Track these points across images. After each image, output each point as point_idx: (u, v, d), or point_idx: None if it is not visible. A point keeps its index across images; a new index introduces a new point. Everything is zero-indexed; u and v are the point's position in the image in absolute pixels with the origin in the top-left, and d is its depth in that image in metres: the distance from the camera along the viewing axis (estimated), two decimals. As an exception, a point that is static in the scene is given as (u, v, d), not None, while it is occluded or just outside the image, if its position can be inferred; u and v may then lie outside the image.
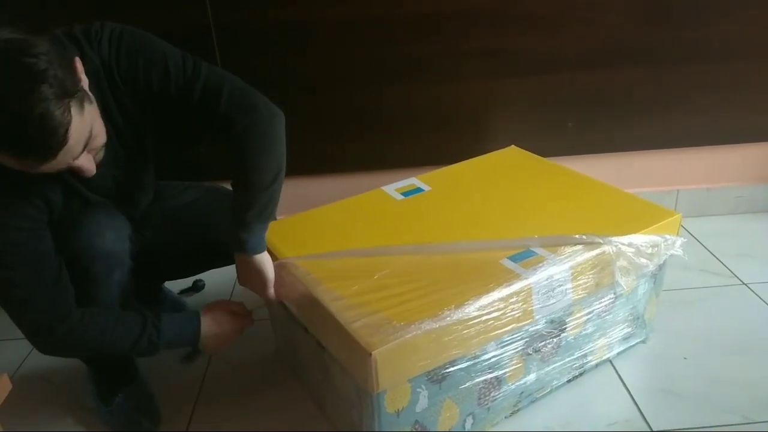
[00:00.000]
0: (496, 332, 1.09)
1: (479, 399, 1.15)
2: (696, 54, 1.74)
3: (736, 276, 1.66)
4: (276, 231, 1.27)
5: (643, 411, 1.24)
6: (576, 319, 1.22)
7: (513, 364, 1.16)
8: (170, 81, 1.07)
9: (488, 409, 1.18)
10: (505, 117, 1.81)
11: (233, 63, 1.68)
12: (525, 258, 1.15)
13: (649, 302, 1.36)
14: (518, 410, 1.24)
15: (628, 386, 1.30)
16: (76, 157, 0.93)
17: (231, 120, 1.08)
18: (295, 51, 1.67)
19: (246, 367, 1.41)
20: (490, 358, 1.12)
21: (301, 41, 1.66)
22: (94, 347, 1.12)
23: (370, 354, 0.95)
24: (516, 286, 1.08)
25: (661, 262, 1.29)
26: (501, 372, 1.15)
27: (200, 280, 1.72)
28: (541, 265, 1.13)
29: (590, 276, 1.18)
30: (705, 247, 1.81)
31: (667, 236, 1.26)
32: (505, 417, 1.24)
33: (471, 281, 1.09)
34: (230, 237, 1.13)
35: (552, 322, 1.18)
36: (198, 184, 1.43)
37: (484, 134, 1.82)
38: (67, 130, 0.87)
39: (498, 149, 1.65)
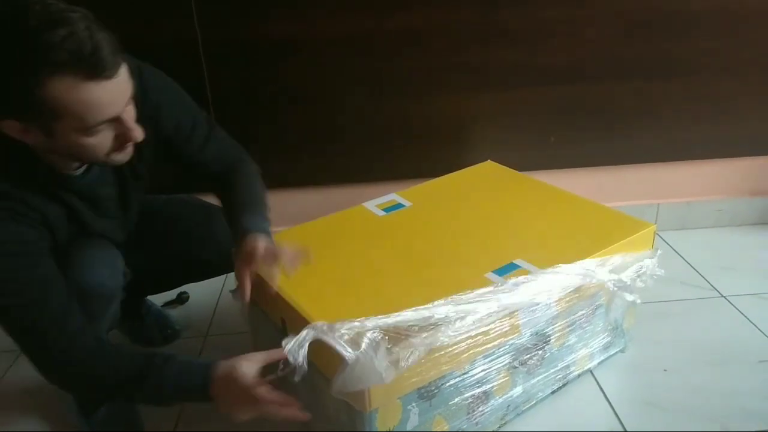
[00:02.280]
0: (485, 347, 1.10)
1: (468, 414, 1.16)
2: (676, 69, 1.78)
3: (715, 289, 1.68)
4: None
5: (624, 422, 1.25)
6: (559, 330, 1.24)
7: (500, 378, 1.18)
8: (190, 132, 1.19)
9: (477, 423, 1.19)
10: (488, 131, 1.83)
11: (220, 77, 1.69)
12: (509, 272, 1.16)
13: (627, 312, 1.38)
14: (505, 423, 1.25)
15: (609, 398, 1.31)
16: (125, 105, 0.92)
17: (226, 177, 1.24)
18: (281, 65, 1.69)
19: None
20: (478, 373, 1.13)
21: (287, 56, 1.68)
22: (102, 382, 1.02)
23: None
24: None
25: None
26: (489, 386, 1.16)
27: (184, 293, 1.72)
28: (525, 278, 1.14)
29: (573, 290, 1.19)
30: (685, 260, 1.83)
31: (647, 261, 1.29)
32: (498, 428, 1.25)
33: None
34: (247, 232, 1.10)
35: (537, 334, 1.19)
36: (173, 196, 1.43)
37: (467, 148, 1.84)
38: (122, 58, 0.89)
39: (479, 161, 1.67)
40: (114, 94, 0.88)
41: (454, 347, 1.05)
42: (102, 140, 0.93)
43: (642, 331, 1.47)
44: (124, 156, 0.98)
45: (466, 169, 1.64)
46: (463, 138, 1.83)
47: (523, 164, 1.67)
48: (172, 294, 1.70)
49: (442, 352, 1.04)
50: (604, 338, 1.35)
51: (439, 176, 1.60)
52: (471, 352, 1.08)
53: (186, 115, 1.19)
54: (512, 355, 1.17)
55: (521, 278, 1.13)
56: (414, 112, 1.78)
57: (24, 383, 1.44)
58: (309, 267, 1.20)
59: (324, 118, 1.77)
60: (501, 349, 1.14)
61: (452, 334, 1.03)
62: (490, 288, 1.11)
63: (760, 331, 1.50)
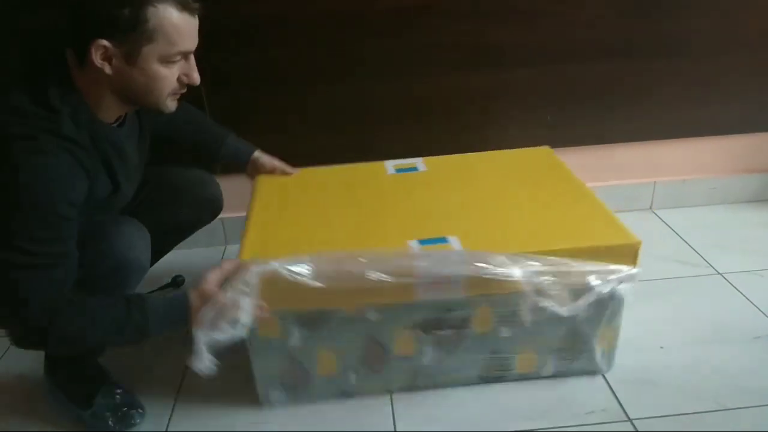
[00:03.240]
0: (375, 299, 1.14)
1: (364, 359, 1.23)
2: (672, 47, 1.77)
3: (711, 266, 1.69)
4: (265, 181, 1.48)
5: (620, 399, 1.26)
6: (480, 316, 1.20)
7: (399, 337, 1.21)
8: None
9: (377, 372, 1.25)
10: (484, 110, 1.81)
11: (211, 58, 1.67)
12: (433, 243, 1.18)
13: (599, 332, 1.25)
14: (418, 388, 1.28)
15: (605, 375, 1.32)
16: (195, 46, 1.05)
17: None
18: (274, 45, 1.67)
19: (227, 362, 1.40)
20: (368, 322, 1.17)
21: (280, 35, 1.66)
22: (83, 336, 1.06)
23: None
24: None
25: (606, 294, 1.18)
26: (385, 340, 1.21)
27: (179, 276, 1.70)
28: (441, 252, 1.15)
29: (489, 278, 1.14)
30: (681, 238, 1.83)
31: (612, 268, 1.16)
32: (402, 389, 1.28)
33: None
34: (240, 151, 1.48)
35: (448, 310, 1.18)
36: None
37: (462, 128, 1.82)
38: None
39: (477, 141, 1.66)
40: (195, 30, 1.04)
41: (334, 285, 1.10)
42: (171, 75, 1.04)
43: (638, 308, 1.46)
44: (174, 104, 1.10)
45: (520, 149, 1.62)
46: (459, 117, 1.81)
47: (519, 143, 1.66)
48: (166, 277, 1.68)
49: (318, 285, 1.09)
50: (561, 350, 1.27)
51: (462, 152, 1.61)
52: (356, 298, 1.13)
53: None
54: (411, 319, 1.19)
55: (432, 251, 1.14)
56: (409, 92, 1.77)
57: (17, 374, 1.44)
58: (285, 204, 1.38)
59: (318, 98, 1.75)
60: (396, 308, 1.17)
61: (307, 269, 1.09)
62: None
63: (756, 307, 1.51)
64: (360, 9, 1.64)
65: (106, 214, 1.17)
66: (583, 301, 1.16)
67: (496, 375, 1.30)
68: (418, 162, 1.55)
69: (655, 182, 1.98)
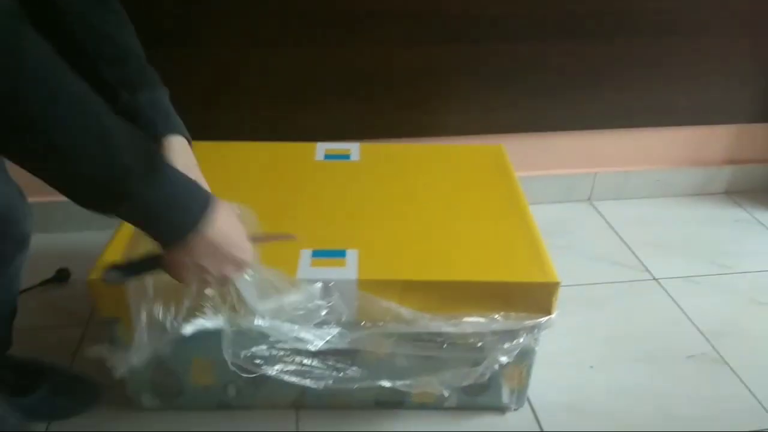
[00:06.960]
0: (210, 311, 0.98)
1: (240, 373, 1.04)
2: (619, 28, 1.62)
3: (647, 270, 1.60)
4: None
5: (545, 429, 1.16)
6: (369, 329, 1.03)
7: (272, 354, 1.02)
8: None
9: (257, 387, 1.11)
10: (420, 88, 1.63)
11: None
12: (328, 257, 1.04)
13: (507, 370, 1.11)
14: (306, 407, 1.16)
15: (531, 402, 1.21)
16: None
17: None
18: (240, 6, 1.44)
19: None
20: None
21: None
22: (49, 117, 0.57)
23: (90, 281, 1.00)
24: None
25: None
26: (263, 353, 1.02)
27: (64, 269, 1.47)
28: (327, 269, 1.01)
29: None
30: (618, 235, 1.74)
31: (521, 325, 1.03)
32: (288, 407, 1.16)
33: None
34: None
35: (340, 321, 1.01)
36: None
37: (398, 106, 1.64)
38: None
39: (413, 121, 1.52)
40: None
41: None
42: None
43: (569, 319, 1.36)
44: None
45: (470, 146, 1.43)
46: (395, 94, 1.62)
47: (456, 127, 1.50)
48: (49, 272, 1.47)
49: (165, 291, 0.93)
50: (463, 378, 1.08)
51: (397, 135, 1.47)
52: (195, 305, 0.96)
53: None
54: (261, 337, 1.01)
55: (322, 268, 1.02)
56: (366, 65, 1.57)
57: None
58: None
59: (238, 66, 1.54)
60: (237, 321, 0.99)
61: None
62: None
63: (690, 320, 1.43)
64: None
65: None
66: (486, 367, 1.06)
67: (392, 401, 1.16)
68: (354, 148, 1.37)
69: (596, 173, 1.87)
